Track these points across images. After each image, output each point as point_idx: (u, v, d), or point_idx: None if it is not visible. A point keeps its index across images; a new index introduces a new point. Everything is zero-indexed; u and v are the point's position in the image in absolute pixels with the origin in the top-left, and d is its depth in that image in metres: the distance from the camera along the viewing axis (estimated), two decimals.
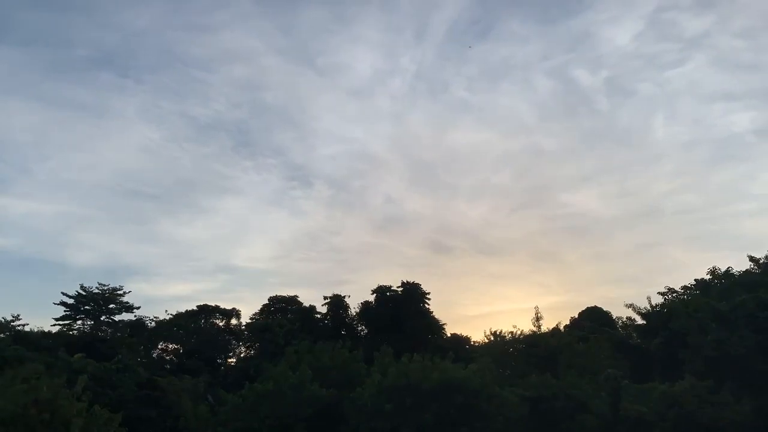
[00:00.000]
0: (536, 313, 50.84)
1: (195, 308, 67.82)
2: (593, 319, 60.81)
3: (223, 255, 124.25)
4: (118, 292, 63.26)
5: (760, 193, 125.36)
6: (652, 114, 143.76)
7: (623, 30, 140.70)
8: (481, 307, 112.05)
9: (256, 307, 70.60)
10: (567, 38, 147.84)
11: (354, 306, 68.83)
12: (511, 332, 52.63)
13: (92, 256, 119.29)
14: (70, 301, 61.29)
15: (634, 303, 52.63)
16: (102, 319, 62.94)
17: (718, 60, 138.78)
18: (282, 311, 69.76)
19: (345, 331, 66.57)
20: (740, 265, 51.29)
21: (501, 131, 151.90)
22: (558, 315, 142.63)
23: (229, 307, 69.66)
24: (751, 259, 48.20)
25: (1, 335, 51.41)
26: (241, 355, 66.69)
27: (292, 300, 70.39)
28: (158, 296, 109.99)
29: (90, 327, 62.09)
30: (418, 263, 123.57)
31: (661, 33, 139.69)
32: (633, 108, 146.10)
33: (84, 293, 61.69)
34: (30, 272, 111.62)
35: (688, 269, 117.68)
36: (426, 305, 67.25)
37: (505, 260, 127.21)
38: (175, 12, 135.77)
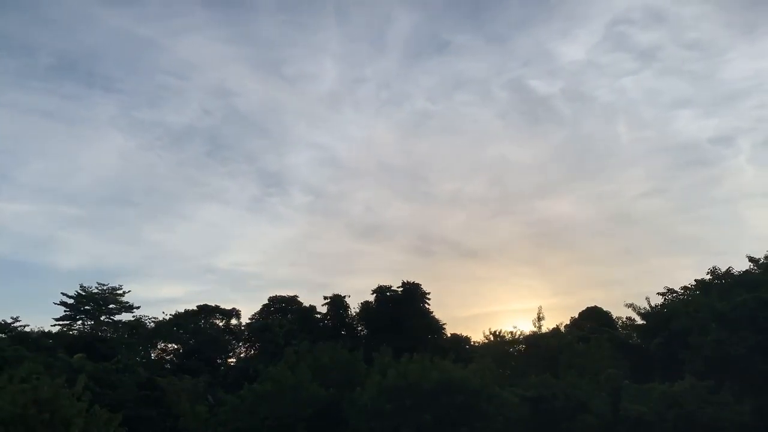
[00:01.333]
0: (538, 314, 50.91)
1: (195, 308, 67.84)
2: (593, 319, 60.85)
3: (208, 259, 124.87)
4: (118, 292, 63.26)
5: (724, 198, 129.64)
6: (613, 121, 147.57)
7: (577, 43, 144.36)
8: (469, 309, 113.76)
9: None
10: (521, 52, 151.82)
11: (354, 306, 68.90)
12: (511, 332, 52.70)
13: (77, 259, 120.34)
14: (70, 301, 61.32)
15: (634, 303, 52.62)
16: (102, 319, 62.92)
17: (672, 70, 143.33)
18: (282, 311, 69.76)
19: (345, 331, 66.58)
20: (740, 265, 51.21)
21: (468, 141, 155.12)
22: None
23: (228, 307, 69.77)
24: (751, 259, 48.19)
25: (1, 335, 51.42)
26: (241, 356, 66.70)
27: (292, 300, 70.38)
28: (146, 299, 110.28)
29: (90, 327, 62.08)
30: (402, 267, 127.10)
31: (616, 44, 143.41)
32: (594, 116, 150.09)
33: (84, 293, 61.69)
34: (18, 275, 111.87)
35: (665, 272, 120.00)
36: (426, 305, 67.27)
37: (487, 264, 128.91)
38: (136, 20, 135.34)
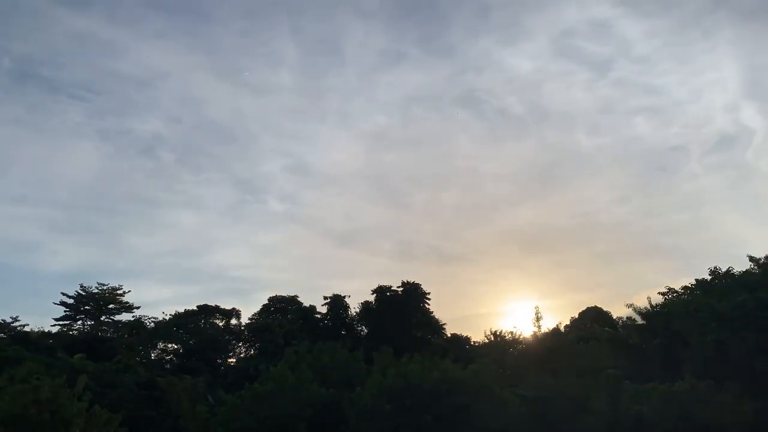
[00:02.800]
0: (536, 314, 50.83)
1: (195, 308, 67.88)
2: (593, 319, 60.91)
3: (192, 263, 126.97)
4: (118, 292, 63.29)
5: (686, 203, 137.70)
6: (573, 131, 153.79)
7: (525, 55, 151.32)
8: (454, 312, 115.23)
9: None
10: (472, 65, 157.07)
11: (354, 306, 68.92)
12: (511, 332, 52.72)
13: (61, 262, 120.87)
14: (70, 301, 61.34)
15: (634, 303, 52.59)
16: (102, 319, 62.95)
17: (624, 81, 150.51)
18: (282, 311, 69.80)
19: (345, 331, 66.63)
20: (740, 265, 51.18)
21: (434, 154, 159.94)
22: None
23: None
24: (751, 259, 48.16)
25: (1, 335, 51.43)
26: (241, 356, 66.74)
27: (292, 300, 70.43)
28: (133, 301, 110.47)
29: (90, 327, 62.11)
30: (384, 271, 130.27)
31: (566, 56, 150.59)
32: (554, 126, 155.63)
33: (84, 293, 61.73)
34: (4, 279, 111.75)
35: (640, 275, 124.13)
36: (426, 305, 67.28)
37: (468, 268, 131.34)
38: (96, 28, 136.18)
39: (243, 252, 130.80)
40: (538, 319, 50.47)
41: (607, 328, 55.05)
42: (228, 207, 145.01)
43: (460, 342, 67.02)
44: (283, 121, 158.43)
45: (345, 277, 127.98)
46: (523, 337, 51.16)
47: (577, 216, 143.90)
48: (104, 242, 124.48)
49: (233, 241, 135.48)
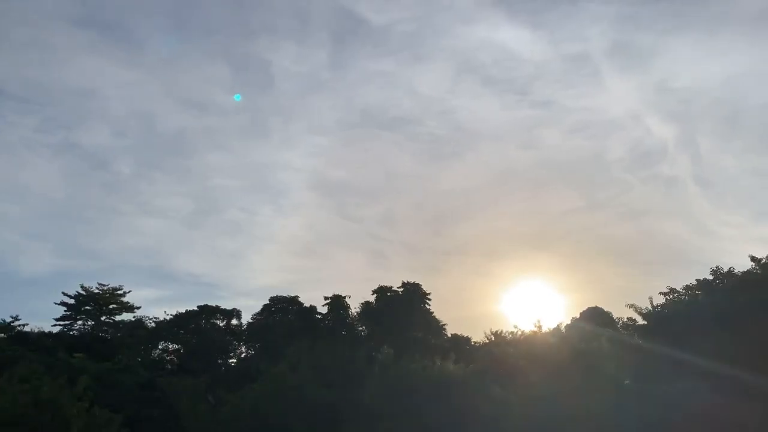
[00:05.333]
0: (537, 315, 50.78)
1: (196, 308, 67.85)
2: (594, 319, 60.75)
3: (163, 269, 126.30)
4: (118, 292, 63.25)
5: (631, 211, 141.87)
6: (507, 147, 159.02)
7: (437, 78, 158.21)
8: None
9: None
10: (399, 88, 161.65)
11: (354, 306, 68.87)
12: (512, 332, 52.56)
13: (36, 268, 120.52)
14: (71, 301, 61.30)
15: (636, 303, 52.50)
16: (102, 319, 62.91)
17: (542, 103, 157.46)
18: (282, 311, 69.71)
19: (345, 331, 66.54)
20: (744, 265, 51.07)
21: (384, 171, 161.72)
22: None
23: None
24: (753, 259, 48.02)
25: (2, 335, 51.41)
26: (242, 356, 66.71)
27: (293, 300, 70.35)
28: None
29: (90, 327, 62.07)
30: (361, 276, 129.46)
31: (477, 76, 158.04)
32: (487, 144, 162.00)
33: (84, 293, 61.69)
34: None
35: (609, 279, 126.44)
36: (426, 305, 67.22)
37: (443, 275, 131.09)
38: (27, 44, 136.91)
39: (210, 259, 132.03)
40: (538, 319, 50.46)
41: (608, 329, 54.93)
42: (190, 216, 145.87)
43: (460, 342, 66.94)
44: (231, 138, 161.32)
45: (315, 284, 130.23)
46: (524, 338, 51.01)
47: (536, 224, 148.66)
48: (74, 250, 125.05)
49: (195, 247, 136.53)
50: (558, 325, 54.71)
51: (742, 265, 51.60)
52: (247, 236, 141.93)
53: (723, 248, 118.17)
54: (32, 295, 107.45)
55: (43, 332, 56.98)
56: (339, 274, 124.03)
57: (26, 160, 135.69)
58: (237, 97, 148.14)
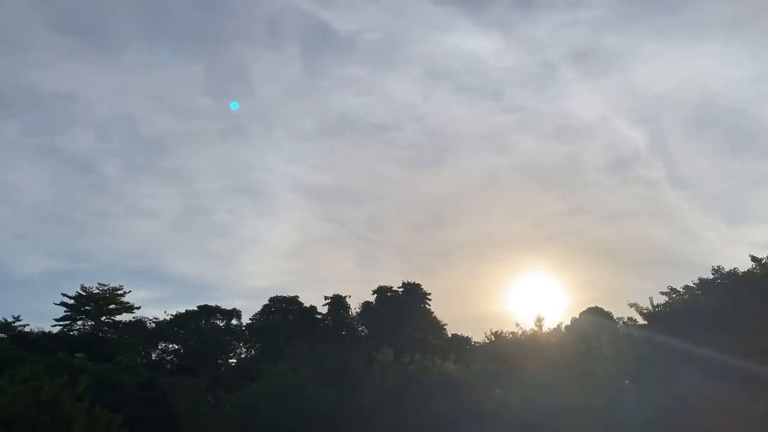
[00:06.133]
0: (538, 314, 50.76)
1: (196, 308, 67.89)
2: (594, 319, 60.78)
3: (156, 270, 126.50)
4: (119, 292, 63.27)
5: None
6: (485, 153, 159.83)
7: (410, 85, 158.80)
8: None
9: None
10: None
11: (355, 306, 68.90)
12: (512, 332, 52.53)
13: (28, 270, 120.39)
14: (71, 301, 61.31)
15: (637, 303, 52.49)
16: (102, 319, 62.92)
17: (514, 107, 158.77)
18: (283, 312, 69.77)
19: (345, 331, 66.59)
20: (744, 265, 51.09)
21: (367, 177, 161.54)
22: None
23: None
24: (753, 258, 48.00)
25: (2, 335, 51.43)
26: (242, 356, 66.77)
27: (293, 300, 70.39)
28: None
29: (90, 327, 62.09)
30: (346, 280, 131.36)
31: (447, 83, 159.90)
32: (466, 149, 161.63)
33: (84, 293, 61.72)
34: None
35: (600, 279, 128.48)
36: (427, 305, 67.24)
37: (428, 278, 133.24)
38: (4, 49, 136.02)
39: (197, 261, 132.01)
40: (539, 319, 50.44)
41: (608, 328, 54.93)
42: (178, 217, 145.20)
43: (460, 342, 66.95)
44: (213, 141, 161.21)
45: (300, 287, 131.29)
46: (524, 338, 50.99)
47: (523, 228, 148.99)
48: (65, 252, 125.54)
49: (186, 249, 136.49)
50: (558, 325, 54.71)
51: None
52: (236, 238, 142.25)
53: (707, 250, 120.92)
54: (22, 298, 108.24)
55: (44, 332, 57.05)
56: (330, 276, 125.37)
57: (15, 164, 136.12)
58: (234, 105, 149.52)
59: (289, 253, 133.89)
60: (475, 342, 65.47)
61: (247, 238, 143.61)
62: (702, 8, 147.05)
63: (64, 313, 61.18)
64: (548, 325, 51.82)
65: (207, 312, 68.06)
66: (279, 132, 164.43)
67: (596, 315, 62.36)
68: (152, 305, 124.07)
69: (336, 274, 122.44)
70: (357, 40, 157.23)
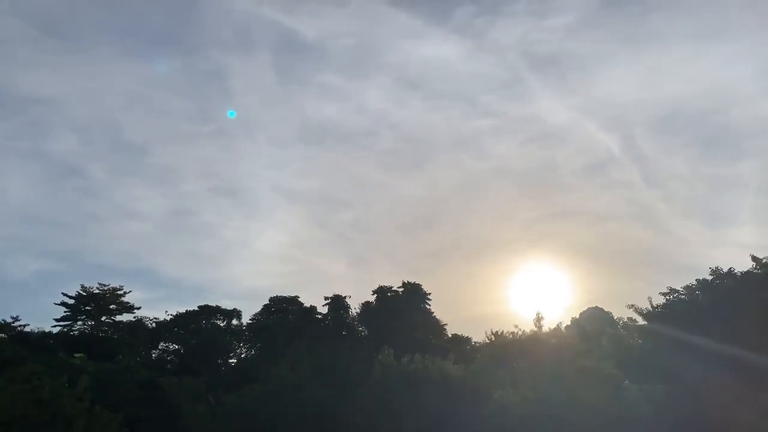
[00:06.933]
0: (538, 314, 50.72)
1: (196, 308, 67.87)
2: (594, 319, 60.83)
3: (148, 270, 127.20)
4: (119, 292, 63.26)
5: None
6: (462, 157, 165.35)
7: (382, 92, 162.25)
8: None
9: None
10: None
11: (355, 306, 68.86)
12: (512, 332, 52.52)
13: (22, 271, 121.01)
14: (71, 301, 61.31)
15: (636, 303, 52.50)
16: (102, 319, 62.92)
17: (490, 112, 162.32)
18: (283, 312, 69.71)
19: (345, 331, 66.54)
20: (744, 264, 51.09)
21: (350, 182, 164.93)
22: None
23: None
24: (754, 258, 48.01)
25: (2, 335, 51.43)
26: (242, 356, 66.71)
27: (293, 300, 70.34)
28: None
29: (90, 327, 62.08)
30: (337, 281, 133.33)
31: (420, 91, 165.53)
32: (444, 154, 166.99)
33: (84, 294, 61.71)
34: None
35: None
36: (427, 305, 67.20)
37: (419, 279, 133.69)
38: None
39: (186, 261, 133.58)
40: (539, 319, 50.40)
41: (608, 328, 54.94)
42: (166, 218, 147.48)
43: (460, 342, 66.94)
44: (201, 146, 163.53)
45: (293, 288, 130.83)
46: (524, 338, 50.97)
47: (510, 230, 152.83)
48: (56, 253, 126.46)
49: (175, 250, 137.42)
50: (558, 325, 54.70)
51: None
52: (224, 240, 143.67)
53: (688, 252, 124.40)
54: (14, 299, 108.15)
55: (44, 332, 57.03)
56: (322, 277, 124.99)
57: (2, 167, 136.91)
58: (231, 114, 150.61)
59: (279, 255, 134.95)
60: (475, 342, 65.51)
61: (235, 240, 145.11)
62: (670, 16, 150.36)
63: (64, 313, 61.18)
64: (548, 324, 52.01)
65: (207, 312, 68.02)
66: (260, 137, 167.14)
67: (596, 315, 62.44)
68: (145, 306, 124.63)
69: (328, 275, 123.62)
70: (327, 47, 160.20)
